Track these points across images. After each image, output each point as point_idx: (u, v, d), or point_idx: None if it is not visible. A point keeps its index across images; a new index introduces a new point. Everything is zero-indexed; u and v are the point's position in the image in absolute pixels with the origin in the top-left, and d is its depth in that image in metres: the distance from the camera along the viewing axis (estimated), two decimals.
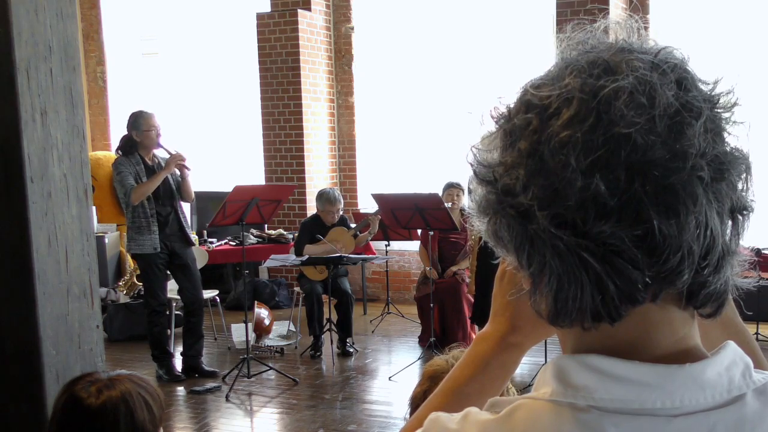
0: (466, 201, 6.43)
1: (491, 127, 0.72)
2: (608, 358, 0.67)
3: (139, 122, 5.53)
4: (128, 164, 5.51)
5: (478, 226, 0.72)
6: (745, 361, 0.69)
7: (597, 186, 0.62)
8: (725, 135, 0.67)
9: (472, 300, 6.17)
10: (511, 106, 0.70)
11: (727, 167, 0.65)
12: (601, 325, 0.67)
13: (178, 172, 5.66)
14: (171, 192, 5.63)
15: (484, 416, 0.72)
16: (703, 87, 0.67)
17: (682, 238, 0.63)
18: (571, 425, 0.66)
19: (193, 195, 5.82)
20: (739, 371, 0.68)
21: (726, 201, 0.66)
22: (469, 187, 0.73)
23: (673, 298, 0.67)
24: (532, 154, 0.65)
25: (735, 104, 0.67)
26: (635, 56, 0.66)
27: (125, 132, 5.64)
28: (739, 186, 0.67)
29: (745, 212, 0.68)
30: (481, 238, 6.19)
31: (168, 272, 5.77)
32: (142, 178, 5.51)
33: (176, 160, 5.54)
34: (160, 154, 5.69)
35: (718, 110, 0.67)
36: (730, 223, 0.67)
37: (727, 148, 0.66)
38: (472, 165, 0.71)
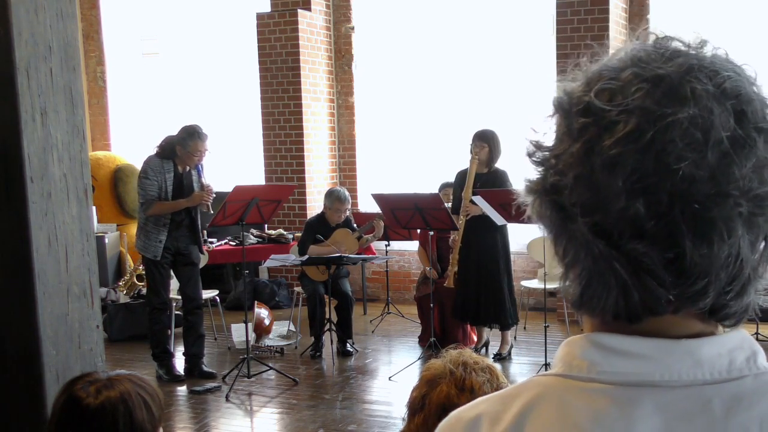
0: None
1: (550, 108, 0.74)
2: (612, 334, 0.71)
3: (188, 143, 5.44)
4: (158, 170, 5.46)
5: (524, 198, 0.76)
6: (753, 349, 0.71)
7: (637, 209, 0.65)
8: None
9: (459, 294, 6.16)
10: (573, 92, 0.71)
11: (764, 203, 0.67)
12: (620, 322, 0.71)
13: (203, 177, 5.62)
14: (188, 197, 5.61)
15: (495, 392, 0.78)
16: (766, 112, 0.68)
17: (711, 266, 0.66)
18: (573, 396, 0.70)
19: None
20: (743, 355, 0.70)
21: (761, 232, 0.68)
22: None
23: (695, 312, 0.70)
24: (584, 161, 0.68)
25: None
26: (702, 82, 0.66)
27: (170, 133, 5.58)
28: None
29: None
30: (463, 233, 6.21)
31: (171, 271, 5.77)
32: (167, 187, 5.48)
33: (201, 199, 5.51)
34: None
35: None
36: (762, 246, 0.69)
37: None
38: (527, 141, 0.74)
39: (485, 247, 5.94)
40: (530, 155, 0.74)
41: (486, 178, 5.93)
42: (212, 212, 5.60)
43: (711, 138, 0.64)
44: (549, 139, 0.73)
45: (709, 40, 0.71)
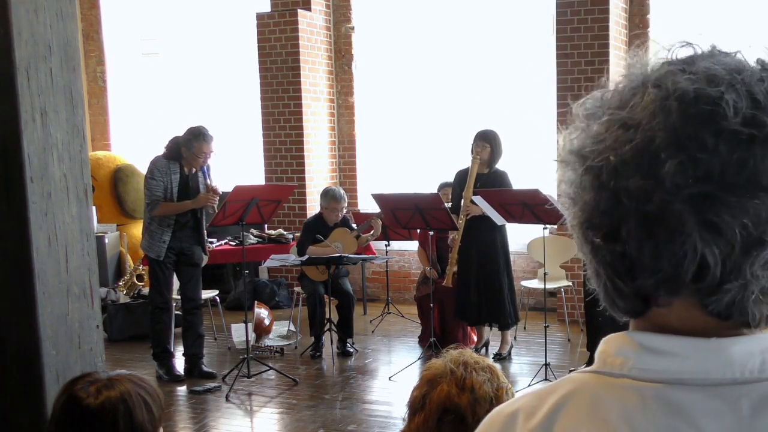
0: None
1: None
2: (647, 332, 0.73)
3: (193, 144, 5.44)
4: (164, 171, 5.47)
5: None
6: None
7: (592, 202, 0.71)
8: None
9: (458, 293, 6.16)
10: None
11: (715, 202, 0.65)
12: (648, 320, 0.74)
13: (209, 178, 5.62)
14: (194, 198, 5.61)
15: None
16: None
17: (660, 261, 0.68)
18: (605, 392, 0.72)
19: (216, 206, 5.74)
20: None
21: (728, 231, 0.66)
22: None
23: (697, 307, 0.70)
24: (567, 157, 0.74)
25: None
26: (656, 87, 0.69)
27: (175, 136, 5.58)
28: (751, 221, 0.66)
29: (759, 247, 0.67)
30: (462, 232, 6.24)
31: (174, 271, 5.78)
32: (173, 188, 5.50)
33: (206, 201, 5.51)
34: None
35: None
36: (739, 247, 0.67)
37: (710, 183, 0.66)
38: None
39: (485, 246, 5.94)
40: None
41: (486, 179, 5.93)
42: (214, 212, 5.60)
43: (644, 137, 0.67)
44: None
45: (684, 42, 0.73)
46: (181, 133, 5.59)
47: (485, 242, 5.93)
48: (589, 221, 0.72)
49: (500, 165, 6.05)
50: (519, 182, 6.14)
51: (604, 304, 0.76)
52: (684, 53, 0.72)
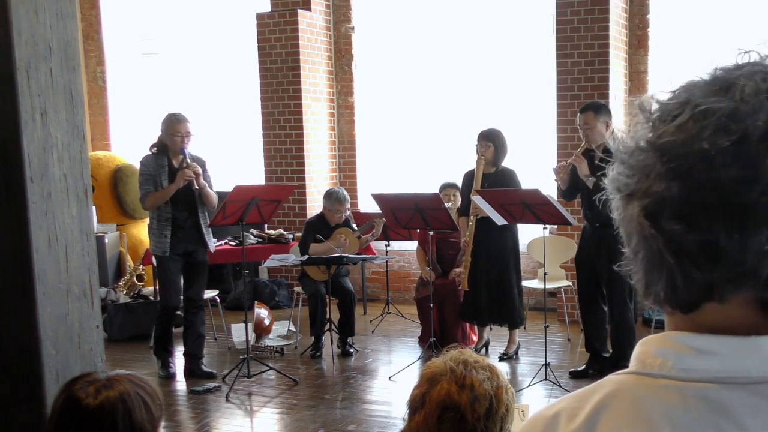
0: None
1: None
2: (685, 333, 0.73)
3: (167, 126, 5.54)
4: (152, 166, 5.54)
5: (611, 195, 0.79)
6: None
7: (673, 191, 0.69)
8: None
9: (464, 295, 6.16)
10: (658, 96, 0.76)
11: None
12: (678, 312, 0.74)
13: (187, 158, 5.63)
14: (190, 197, 5.60)
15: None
16: None
17: (746, 253, 0.67)
18: (646, 392, 0.73)
19: (215, 202, 5.71)
20: None
21: None
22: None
23: (751, 304, 0.70)
24: (636, 150, 0.73)
25: None
26: (756, 82, 0.69)
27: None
28: None
29: None
30: (474, 236, 6.19)
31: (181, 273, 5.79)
32: (162, 181, 5.53)
33: (184, 177, 5.49)
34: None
35: None
36: None
37: None
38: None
39: (496, 246, 5.93)
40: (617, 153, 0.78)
41: (494, 178, 5.92)
42: (196, 187, 5.56)
43: (747, 128, 0.67)
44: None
45: None
46: None
47: (496, 242, 5.91)
48: (669, 210, 0.70)
49: (505, 164, 6.03)
50: (527, 181, 6.13)
51: (647, 296, 0.75)
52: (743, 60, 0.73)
